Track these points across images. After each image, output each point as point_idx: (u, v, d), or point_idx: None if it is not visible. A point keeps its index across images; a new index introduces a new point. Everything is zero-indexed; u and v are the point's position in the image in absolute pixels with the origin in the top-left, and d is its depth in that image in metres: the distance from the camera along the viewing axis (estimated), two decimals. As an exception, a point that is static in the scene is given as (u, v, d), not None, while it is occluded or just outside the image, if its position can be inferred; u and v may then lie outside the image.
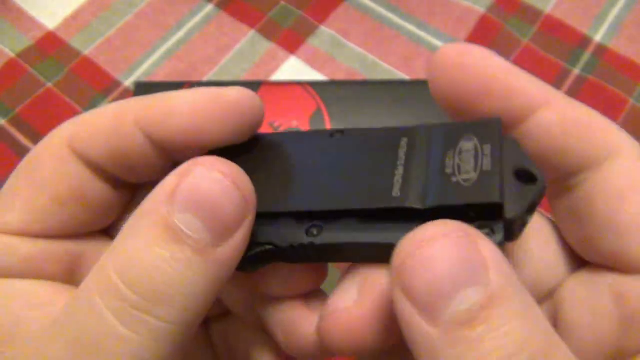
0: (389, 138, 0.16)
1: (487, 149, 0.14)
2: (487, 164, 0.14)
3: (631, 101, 0.41)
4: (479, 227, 0.13)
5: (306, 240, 0.15)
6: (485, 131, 0.15)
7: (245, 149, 0.17)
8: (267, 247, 0.15)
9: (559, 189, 0.16)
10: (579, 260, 0.16)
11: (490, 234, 0.13)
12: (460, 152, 0.15)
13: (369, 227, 0.15)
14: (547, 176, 0.15)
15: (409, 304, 0.12)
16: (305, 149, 0.17)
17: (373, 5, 0.44)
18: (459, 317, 0.11)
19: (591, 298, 0.15)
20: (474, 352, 0.11)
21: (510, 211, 0.14)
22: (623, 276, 0.14)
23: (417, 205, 0.14)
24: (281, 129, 0.34)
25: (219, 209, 0.13)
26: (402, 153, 0.16)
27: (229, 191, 0.14)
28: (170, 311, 0.13)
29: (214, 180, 0.13)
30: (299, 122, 0.34)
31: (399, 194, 0.15)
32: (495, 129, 0.15)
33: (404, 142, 0.16)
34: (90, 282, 0.14)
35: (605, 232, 0.14)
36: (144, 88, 0.36)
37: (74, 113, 0.40)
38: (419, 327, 0.12)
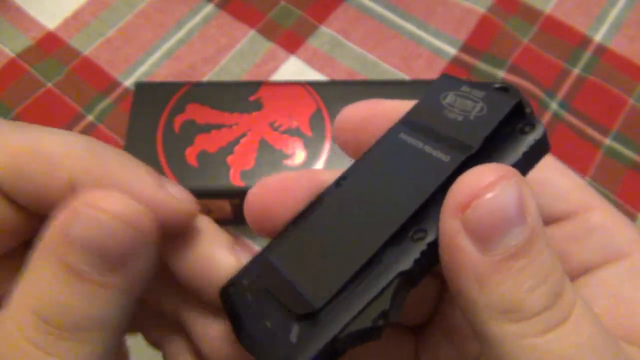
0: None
1: (479, 95, 0.16)
2: (477, 106, 0.16)
3: (631, 101, 0.41)
4: (523, 127, 0.16)
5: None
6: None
7: None
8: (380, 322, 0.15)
9: None
10: None
11: (533, 128, 0.16)
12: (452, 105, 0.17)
13: None
14: None
15: (464, 234, 0.14)
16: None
17: (373, 5, 0.44)
18: (508, 250, 0.14)
19: None
20: (515, 279, 0.14)
21: (528, 105, 0.16)
22: (547, 226, 0.18)
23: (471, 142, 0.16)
24: (281, 129, 0.34)
25: (109, 244, 0.15)
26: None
27: (114, 227, 0.15)
28: (90, 335, 0.15)
29: (99, 221, 0.15)
30: (299, 122, 0.34)
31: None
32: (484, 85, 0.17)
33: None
34: (8, 319, 0.15)
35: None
36: (144, 88, 0.36)
37: (74, 113, 0.40)
38: (470, 255, 0.14)
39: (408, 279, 0.15)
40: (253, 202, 0.18)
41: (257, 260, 0.17)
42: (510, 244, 0.14)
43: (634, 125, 0.40)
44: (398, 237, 0.15)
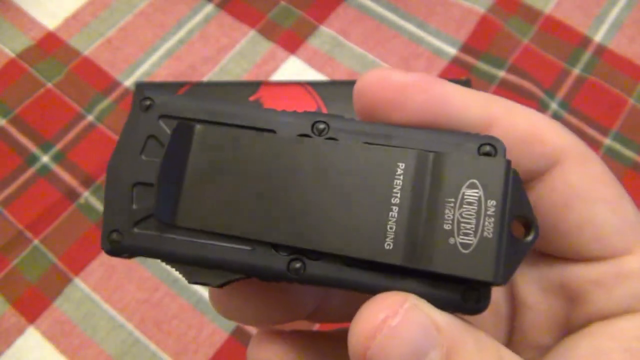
0: (384, 160, 0.14)
1: (492, 206, 0.13)
2: (488, 227, 0.13)
3: (631, 101, 0.41)
4: (464, 296, 0.13)
5: (289, 276, 0.14)
6: (490, 178, 0.13)
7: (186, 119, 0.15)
8: (239, 276, 0.14)
9: None
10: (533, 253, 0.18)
11: (475, 302, 0.14)
12: (462, 204, 0.13)
13: (354, 269, 0.14)
14: None
15: None
16: (286, 147, 0.14)
17: (373, 5, 0.44)
18: None
19: (542, 278, 0.17)
20: None
21: (503, 278, 0.13)
22: (568, 265, 0.17)
23: (410, 264, 0.13)
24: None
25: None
26: (397, 186, 0.14)
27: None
28: None
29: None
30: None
31: (391, 246, 0.13)
32: (502, 177, 0.13)
33: (400, 169, 0.14)
34: None
35: (552, 234, 0.16)
36: (144, 88, 0.36)
37: (74, 113, 0.40)
38: None
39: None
40: (364, 93, 0.15)
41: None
42: None
43: (634, 125, 0.40)
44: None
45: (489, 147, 0.14)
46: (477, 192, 0.13)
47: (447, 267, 0.13)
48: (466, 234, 0.13)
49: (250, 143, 0.14)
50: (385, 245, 0.13)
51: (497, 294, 0.18)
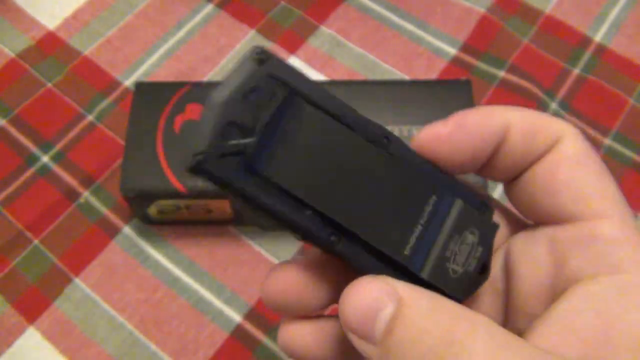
0: (423, 188, 0.18)
1: (479, 251, 0.19)
2: (472, 264, 0.19)
3: (631, 101, 0.41)
4: None
5: (324, 241, 0.17)
6: (486, 231, 0.19)
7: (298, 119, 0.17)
8: (298, 236, 0.17)
9: (512, 176, 0.19)
10: (521, 224, 0.20)
11: None
12: (462, 243, 0.18)
13: (372, 257, 0.17)
14: (508, 177, 0.19)
15: (354, 336, 0.16)
16: (351, 149, 0.17)
17: (373, 5, 0.44)
18: (383, 332, 0.15)
19: (530, 249, 0.19)
20: (398, 353, 0.15)
21: (465, 297, 0.19)
22: (555, 226, 0.18)
23: (415, 271, 0.18)
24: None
25: None
26: (426, 212, 0.18)
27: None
28: None
29: None
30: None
31: (408, 252, 0.18)
32: (492, 236, 0.19)
33: (431, 200, 0.18)
34: None
35: (543, 194, 0.18)
36: (144, 88, 0.36)
37: (74, 113, 0.40)
38: (367, 349, 0.16)
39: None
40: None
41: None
42: (381, 326, 0.15)
43: (634, 125, 0.40)
44: None
45: (484, 206, 0.19)
46: (474, 236, 0.19)
47: (436, 280, 0.18)
48: (457, 264, 0.18)
49: (339, 135, 0.17)
50: (405, 250, 0.18)
51: (494, 271, 0.20)
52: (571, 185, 0.18)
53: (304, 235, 0.17)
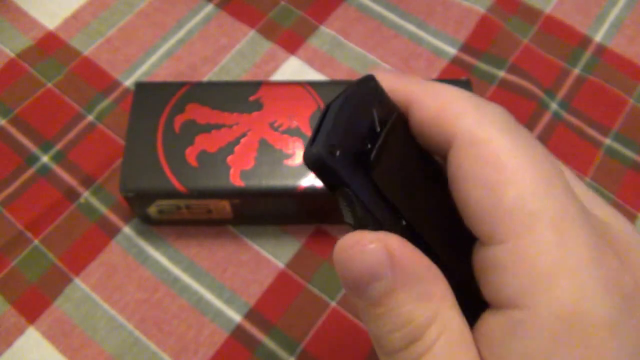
0: None
1: None
2: None
3: (631, 101, 0.41)
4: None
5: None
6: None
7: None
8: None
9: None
10: None
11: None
12: None
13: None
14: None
15: (345, 287, 0.17)
16: (431, 173, 0.20)
17: (373, 5, 0.44)
18: (372, 299, 0.17)
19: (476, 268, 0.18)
20: (376, 322, 0.17)
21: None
22: (495, 246, 0.16)
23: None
24: (281, 129, 0.34)
25: None
26: None
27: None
28: None
29: None
30: (299, 122, 0.34)
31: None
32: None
33: None
34: None
35: (466, 217, 0.17)
36: (144, 88, 0.36)
37: (74, 113, 0.40)
38: (356, 302, 0.17)
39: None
40: None
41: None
42: (372, 294, 0.16)
43: (634, 125, 0.40)
44: None
45: None
46: None
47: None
48: None
49: (424, 159, 0.20)
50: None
51: None
52: (463, 206, 0.17)
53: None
